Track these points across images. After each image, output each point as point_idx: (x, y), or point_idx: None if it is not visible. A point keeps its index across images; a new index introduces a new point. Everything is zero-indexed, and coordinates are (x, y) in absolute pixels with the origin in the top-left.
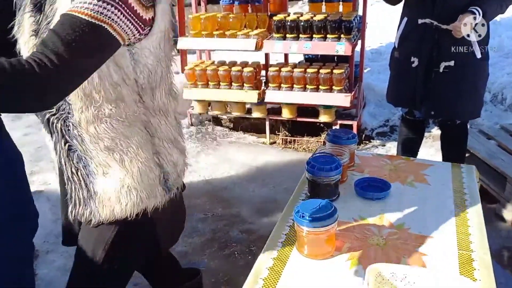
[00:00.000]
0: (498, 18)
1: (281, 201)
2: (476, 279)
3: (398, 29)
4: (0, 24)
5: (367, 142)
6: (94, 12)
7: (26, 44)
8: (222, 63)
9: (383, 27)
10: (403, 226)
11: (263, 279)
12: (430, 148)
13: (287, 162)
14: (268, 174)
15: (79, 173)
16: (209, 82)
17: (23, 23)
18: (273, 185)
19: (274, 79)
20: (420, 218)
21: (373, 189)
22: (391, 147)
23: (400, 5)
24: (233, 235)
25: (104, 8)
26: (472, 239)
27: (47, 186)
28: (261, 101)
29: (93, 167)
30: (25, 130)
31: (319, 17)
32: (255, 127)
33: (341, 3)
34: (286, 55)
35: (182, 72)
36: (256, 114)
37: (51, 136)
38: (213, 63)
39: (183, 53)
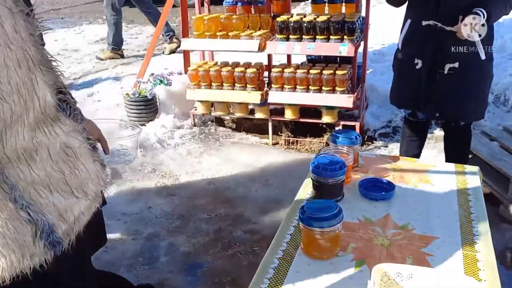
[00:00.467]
0: (501, 19)
1: (285, 201)
2: (481, 279)
3: (401, 31)
4: None
5: (370, 143)
6: None
7: None
8: (225, 64)
9: (385, 28)
10: (407, 227)
11: (269, 279)
12: (433, 149)
13: (290, 162)
14: (271, 175)
15: None
16: (212, 83)
17: None
18: (276, 185)
19: (277, 80)
20: (424, 219)
21: (377, 189)
22: (394, 148)
23: (403, 7)
24: (237, 235)
25: None
26: (476, 239)
27: None
28: (264, 102)
29: None
30: None
31: (322, 18)
32: (258, 128)
33: (344, 4)
34: (289, 56)
35: (185, 72)
36: (259, 115)
37: None
38: (216, 64)
39: (186, 54)
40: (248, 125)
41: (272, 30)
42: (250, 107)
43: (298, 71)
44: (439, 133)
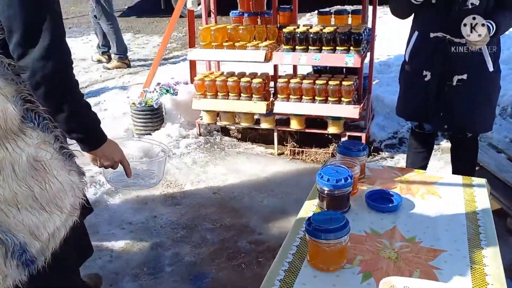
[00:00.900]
0: (508, 31)
1: (291, 212)
2: None
3: (408, 43)
4: None
5: (376, 154)
6: None
7: None
8: (231, 74)
9: (391, 39)
10: (415, 239)
11: None
12: (439, 161)
13: (295, 173)
14: (277, 185)
15: None
16: (218, 93)
17: None
18: (282, 195)
19: (283, 90)
20: (432, 232)
21: (384, 201)
22: (400, 159)
23: (409, 18)
24: (242, 245)
25: None
26: (485, 253)
27: None
28: (269, 112)
29: None
30: None
31: (328, 29)
32: (264, 138)
33: (350, 15)
34: (294, 67)
35: (192, 82)
36: (264, 125)
37: None
38: (222, 74)
39: (192, 64)
40: (253, 135)
41: (279, 41)
42: (256, 117)
43: (304, 81)
44: (445, 144)
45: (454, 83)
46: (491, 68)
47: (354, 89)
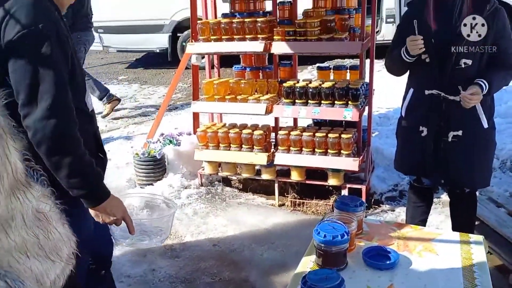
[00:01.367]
0: (506, 86)
1: (290, 265)
2: None
3: (404, 99)
4: None
5: (377, 206)
6: None
7: None
8: (233, 126)
9: (390, 92)
10: None
11: None
12: (440, 215)
13: (296, 224)
14: (277, 237)
15: None
16: (220, 144)
17: None
18: (282, 248)
19: (284, 142)
20: None
21: (382, 258)
22: (401, 212)
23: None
24: None
25: None
26: None
27: None
28: (270, 163)
29: None
30: None
31: (327, 84)
32: (265, 189)
33: (348, 70)
34: (295, 119)
35: (194, 133)
36: (265, 176)
37: None
38: (224, 125)
39: (195, 115)
40: (254, 185)
41: (279, 94)
42: (257, 168)
43: (304, 133)
44: (446, 198)
45: (450, 139)
46: (485, 125)
47: (353, 141)
